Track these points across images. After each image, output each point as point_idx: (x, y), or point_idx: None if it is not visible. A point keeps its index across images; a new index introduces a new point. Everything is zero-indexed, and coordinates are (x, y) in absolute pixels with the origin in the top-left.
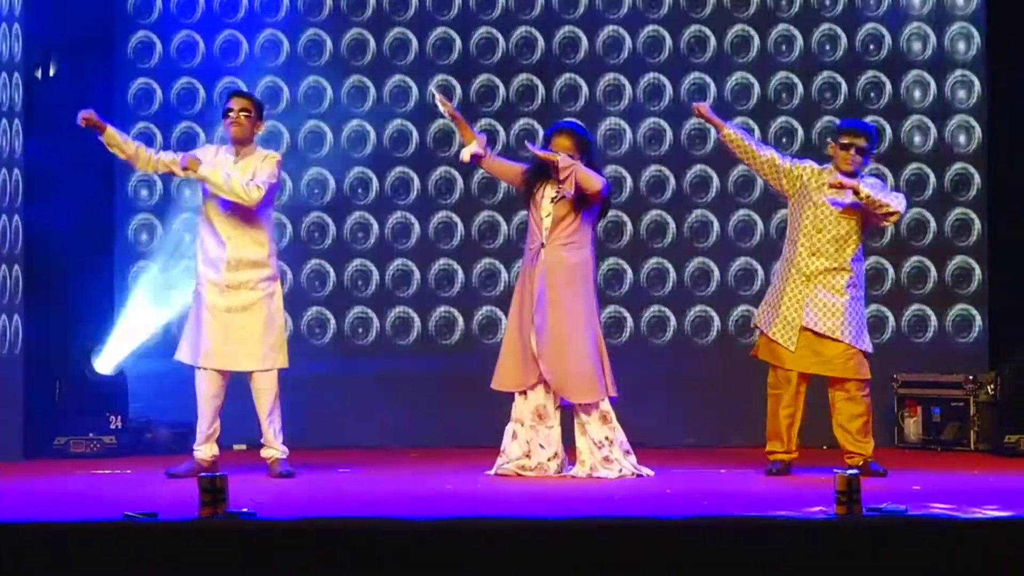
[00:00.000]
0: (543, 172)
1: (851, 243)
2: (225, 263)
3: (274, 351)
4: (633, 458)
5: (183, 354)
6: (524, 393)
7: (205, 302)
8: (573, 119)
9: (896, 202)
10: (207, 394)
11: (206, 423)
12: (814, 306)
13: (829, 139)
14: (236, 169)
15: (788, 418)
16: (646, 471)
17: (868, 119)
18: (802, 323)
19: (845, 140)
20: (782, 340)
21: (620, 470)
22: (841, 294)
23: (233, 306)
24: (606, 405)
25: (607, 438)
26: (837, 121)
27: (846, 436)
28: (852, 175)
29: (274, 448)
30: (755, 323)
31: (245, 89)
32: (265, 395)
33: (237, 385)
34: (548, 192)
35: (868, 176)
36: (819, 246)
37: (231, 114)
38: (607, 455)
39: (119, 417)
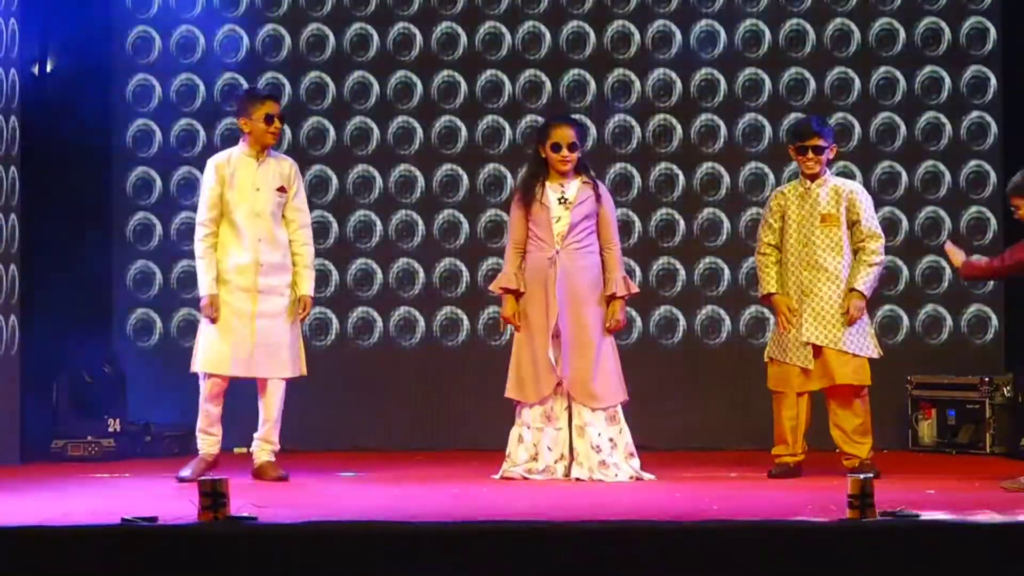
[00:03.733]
0: (538, 175)
1: (840, 251)
2: (257, 267)
3: (299, 359)
4: (637, 462)
5: (207, 365)
6: None
7: (232, 309)
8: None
9: (879, 259)
10: (217, 396)
11: (218, 424)
12: (810, 320)
13: (789, 144)
14: (258, 176)
15: (792, 420)
16: (647, 476)
17: (882, 115)
18: (806, 338)
19: (798, 143)
20: (799, 362)
21: (616, 475)
22: (839, 304)
23: (264, 312)
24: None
25: (612, 440)
26: (850, 117)
27: (842, 436)
28: (816, 176)
29: (272, 445)
30: (768, 356)
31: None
32: (278, 400)
33: (237, 386)
34: (551, 194)
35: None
36: (810, 258)
37: (276, 123)
38: (604, 459)
39: (117, 420)
